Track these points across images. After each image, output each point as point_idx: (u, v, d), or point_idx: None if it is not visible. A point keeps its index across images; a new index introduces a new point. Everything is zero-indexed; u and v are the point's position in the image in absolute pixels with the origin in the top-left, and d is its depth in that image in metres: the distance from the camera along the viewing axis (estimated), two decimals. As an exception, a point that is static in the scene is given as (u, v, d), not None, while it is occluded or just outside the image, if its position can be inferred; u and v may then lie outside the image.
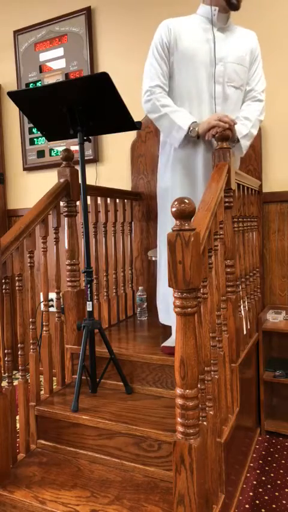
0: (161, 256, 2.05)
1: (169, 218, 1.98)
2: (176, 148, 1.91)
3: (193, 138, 1.83)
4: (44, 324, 1.92)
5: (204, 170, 1.88)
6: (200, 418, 1.27)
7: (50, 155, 3.13)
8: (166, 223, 2.00)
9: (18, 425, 1.83)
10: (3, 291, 1.68)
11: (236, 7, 1.80)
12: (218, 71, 1.83)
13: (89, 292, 1.83)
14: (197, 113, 1.86)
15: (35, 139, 3.18)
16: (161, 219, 2.04)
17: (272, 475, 1.92)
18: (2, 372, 1.66)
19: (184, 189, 1.92)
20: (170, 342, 1.93)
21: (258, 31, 2.41)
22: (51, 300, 2.93)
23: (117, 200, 2.56)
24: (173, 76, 1.88)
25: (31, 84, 3.16)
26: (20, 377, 1.76)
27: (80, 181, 1.90)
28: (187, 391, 1.17)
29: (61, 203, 2.05)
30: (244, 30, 1.94)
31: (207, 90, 1.84)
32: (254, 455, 2.08)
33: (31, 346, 1.82)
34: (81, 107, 1.73)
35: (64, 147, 2.54)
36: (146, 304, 2.57)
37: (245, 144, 1.90)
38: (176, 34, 1.83)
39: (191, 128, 1.81)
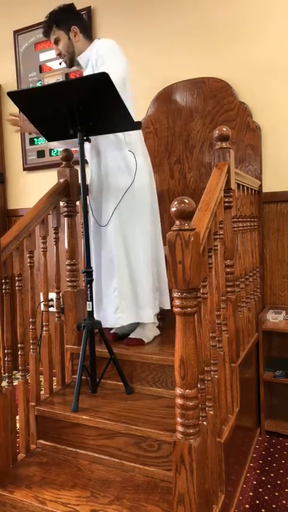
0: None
1: None
2: None
3: None
4: (44, 324, 1.92)
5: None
6: (200, 418, 1.27)
7: (50, 155, 3.13)
8: None
9: (18, 425, 1.83)
10: (3, 291, 1.68)
11: (67, 66, 2.20)
12: None
13: (89, 292, 1.83)
14: None
15: (35, 139, 3.18)
16: None
17: (272, 475, 1.92)
18: (2, 372, 1.67)
19: None
20: (134, 334, 2.07)
21: (261, 30, 2.41)
22: (51, 300, 2.93)
23: (117, 200, 2.55)
24: None
25: (31, 84, 3.15)
26: (20, 377, 1.76)
27: (79, 181, 1.90)
28: (187, 391, 1.17)
29: (61, 203, 2.05)
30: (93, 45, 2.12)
31: None
32: (254, 455, 2.08)
33: (31, 346, 1.83)
34: (81, 106, 1.73)
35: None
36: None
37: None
38: None
39: None
